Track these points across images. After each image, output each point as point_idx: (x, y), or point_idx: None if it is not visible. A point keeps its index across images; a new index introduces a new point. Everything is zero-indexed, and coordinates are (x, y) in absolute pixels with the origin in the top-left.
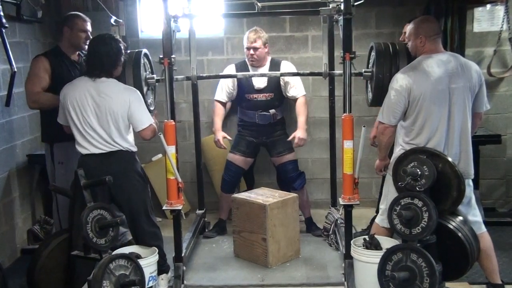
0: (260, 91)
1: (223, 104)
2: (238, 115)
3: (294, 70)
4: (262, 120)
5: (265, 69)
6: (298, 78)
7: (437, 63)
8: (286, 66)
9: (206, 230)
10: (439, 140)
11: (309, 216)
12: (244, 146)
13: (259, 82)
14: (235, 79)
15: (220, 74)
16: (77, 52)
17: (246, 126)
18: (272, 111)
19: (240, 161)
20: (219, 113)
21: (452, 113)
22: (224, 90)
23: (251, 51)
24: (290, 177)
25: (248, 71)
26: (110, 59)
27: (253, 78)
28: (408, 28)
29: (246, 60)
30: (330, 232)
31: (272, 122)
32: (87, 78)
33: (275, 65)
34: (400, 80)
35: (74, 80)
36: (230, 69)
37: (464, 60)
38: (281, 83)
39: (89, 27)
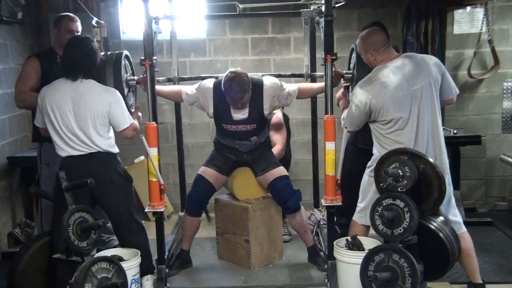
0: (240, 122)
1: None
2: (215, 135)
3: (276, 85)
4: (242, 148)
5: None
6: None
7: (393, 71)
8: (269, 87)
9: (167, 270)
10: (408, 143)
11: (312, 244)
12: (221, 162)
13: (239, 114)
14: (212, 106)
15: (202, 75)
16: None
17: (224, 146)
18: (253, 138)
19: (212, 176)
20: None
21: (421, 113)
22: (191, 96)
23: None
24: (282, 197)
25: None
26: (86, 60)
27: (232, 111)
28: (357, 43)
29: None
30: (313, 233)
31: (254, 148)
32: (66, 79)
33: (256, 88)
34: (359, 96)
35: (53, 82)
36: (208, 87)
37: (421, 57)
38: (265, 112)
39: (77, 27)
